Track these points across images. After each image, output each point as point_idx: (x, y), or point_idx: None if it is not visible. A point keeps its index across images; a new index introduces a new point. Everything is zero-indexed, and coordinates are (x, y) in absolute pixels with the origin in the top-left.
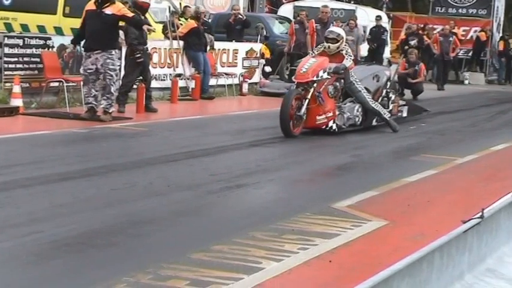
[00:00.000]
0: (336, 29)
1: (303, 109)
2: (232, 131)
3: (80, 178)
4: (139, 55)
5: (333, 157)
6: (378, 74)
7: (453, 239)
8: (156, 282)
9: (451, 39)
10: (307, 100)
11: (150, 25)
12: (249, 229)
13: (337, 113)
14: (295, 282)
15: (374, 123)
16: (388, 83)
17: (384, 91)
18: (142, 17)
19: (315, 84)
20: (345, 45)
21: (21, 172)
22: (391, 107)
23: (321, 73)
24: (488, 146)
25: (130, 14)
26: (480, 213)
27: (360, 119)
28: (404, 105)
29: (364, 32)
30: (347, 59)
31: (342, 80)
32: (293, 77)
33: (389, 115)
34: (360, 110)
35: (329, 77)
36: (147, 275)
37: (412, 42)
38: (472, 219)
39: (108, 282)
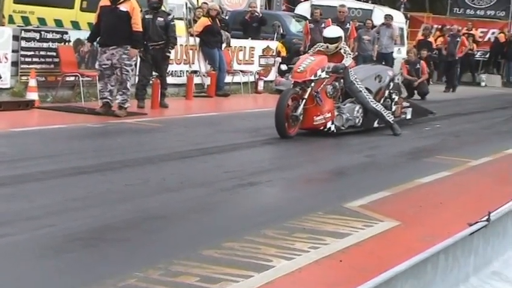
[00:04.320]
0: (335, 29)
1: (300, 109)
2: (246, 128)
3: (94, 173)
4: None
5: (347, 156)
6: (380, 74)
7: (459, 241)
8: (166, 278)
9: (458, 39)
10: (304, 100)
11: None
12: (261, 227)
13: (336, 113)
14: (305, 281)
15: (375, 125)
16: (391, 84)
17: (387, 92)
18: (150, 15)
19: (312, 84)
20: (344, 44)
21: (36, 166)
22: (394, 108)
23: (319, 72)
24: (503, 148)
25: (138, 28)
26: (487, 216)
27: (360, 120)
28: (408, 106)
29: (378, 32)
30: (346, 57)
31: (342, 80)
32: (289, 76)
33: (392, 117)
34: (360, 111)
35: (328, 76)
36: (157, 270)
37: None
38: (479, 222)
39: (119, 277)
